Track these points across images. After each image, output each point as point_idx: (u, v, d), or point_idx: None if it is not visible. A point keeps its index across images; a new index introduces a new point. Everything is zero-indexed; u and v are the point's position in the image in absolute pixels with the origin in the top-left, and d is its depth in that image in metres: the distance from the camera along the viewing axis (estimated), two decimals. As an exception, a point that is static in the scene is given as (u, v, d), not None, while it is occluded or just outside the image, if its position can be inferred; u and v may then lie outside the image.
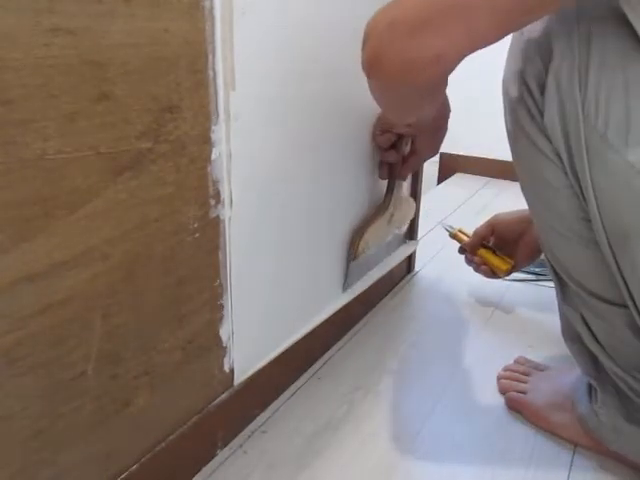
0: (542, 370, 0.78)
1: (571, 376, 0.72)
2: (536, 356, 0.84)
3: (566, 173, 0.54)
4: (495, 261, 0.95)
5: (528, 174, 0.59)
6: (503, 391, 0.77)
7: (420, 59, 0.46)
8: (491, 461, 0.66)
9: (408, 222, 1.04)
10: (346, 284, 0.87)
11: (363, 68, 0.51)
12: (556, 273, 0.63)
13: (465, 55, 0.46)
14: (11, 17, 0.35)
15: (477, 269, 0.98)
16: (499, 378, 0.79)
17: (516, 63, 0.56)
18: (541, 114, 0.54)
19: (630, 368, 0.59)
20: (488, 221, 0.98)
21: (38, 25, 0.37)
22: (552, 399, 0.71)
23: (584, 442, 0.67)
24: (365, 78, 0.52)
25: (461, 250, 1.01)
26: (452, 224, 1.08)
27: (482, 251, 0.97)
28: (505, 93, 0.59)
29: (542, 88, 0.53)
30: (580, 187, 0.53)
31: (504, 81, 0.59)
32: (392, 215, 0.91)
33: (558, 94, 0.51)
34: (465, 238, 1.02)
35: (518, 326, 0.95)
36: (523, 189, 0.62)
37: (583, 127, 0.50)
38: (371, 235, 0.87)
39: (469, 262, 0.99)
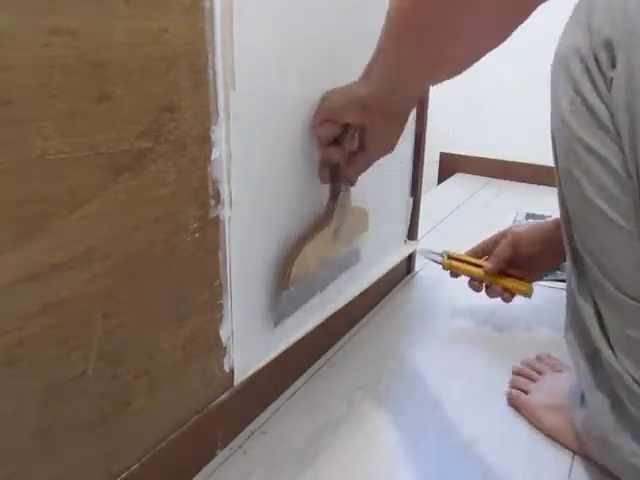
0: (559, 370, 0.77)
1: (574, 380, 0.70)
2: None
3: (624, 152, 0.51)
4: (514, 284, 0.89)
5: (578, 148, 0.54)
6: (511, 385, 0.77)
7: None
8: (491, 461, 0.66)
9: (360, 236, 0.85)
10: (277, 318, 0.70)
11: None
12: (576, 258, 0.60)
13: None
14: (11, 17, 0.35)
15: (497, 295, 0.91)
16: (513, 372, 0.79)
17: (578, 36, 0.53)
18: (607, 88, 0.51)
19: (637, 368, 0.56)
20: (507, 241, 0.89)
21: (38, 25, 0.37)
22: (551, 400, 0.71)
23: (575, 447, 0.66)
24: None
25: (473, 282, 0.92)
26: (432, 248, 0.99)
27: (497, 276, 0.89)
28: (562, 64, 0.55)
29: (613, 63, 0.50)
30: (638, 171, 0.50)
31: (561, 53, 0.56)
32: (338, 228, 0.73)
33: (628, 69, 0.48)
34: (463, 265, 0.93)
35: (518, 326, 0.95)
36: (563, 157, 0.57)
37: None
38: (310, 255, 0.70)
39: (490, 292, 0.91)
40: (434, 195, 1.74)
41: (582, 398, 0.64)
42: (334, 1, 0.69)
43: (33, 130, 0.38)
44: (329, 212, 0.71)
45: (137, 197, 0.47)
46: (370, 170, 0.72)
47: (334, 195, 0.71)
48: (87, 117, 0.41)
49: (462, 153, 1.98)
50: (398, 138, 0.66)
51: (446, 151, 2.00)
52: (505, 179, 1.81)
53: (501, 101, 1.78)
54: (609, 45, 0.50)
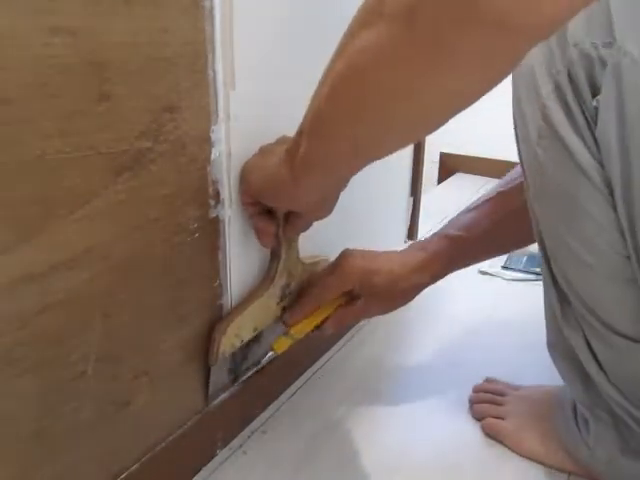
0: (516, 390, 0.72)
1: (549, 395, 0.67)
2: (537, 357, 0.84)
3: (612, 204, 0.43)
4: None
5: (556, 195, 0.46)
6: (479, 417, 0.69)
7: None
8: (492, 461, 0.66)
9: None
10: (210, 394, 0.62)
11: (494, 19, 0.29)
12: (557, 288, 0.55)
13: None
14: (11, 17, 0.35)
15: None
16: (472, 402, 0.72)
17: (552, 46, 0.42)
18: (589, 122, 0.41)
19: (635, 399, 0.53)
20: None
21: (38, 25, 0.37)
22: (534, 425, 0.65)
23: (574, 469, 0.61)
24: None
25: None
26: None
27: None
28: (527, 83, 0.46)
29: (594, 87, 0.40)
30: (631, 221, 0.43)
31: (526, 66, 0.45)
32: (288, 286, 0.65)
33: (619, 98, 0.38)
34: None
35: (518, 326, 0.95)
36: (539, 203, 0.50)
37: None
38: (245, 324, 0.61)
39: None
40: (434, 195, 1.74)
41: (575, 422, 0.61)
42: (334, 1, 0.69)
43: (33, 130, 0.38)
44: (270, 275, 0.64)
45: (137, 197, 0.47)
46: (370, 170, 0.72)
47: (275, 257, 0.63)
48: (87, 117, 0.41)
49: (462, 153, 1.98)
50: (333, 204, 0.57)
51: (446, 151, 2.00)
52: (505, 179, 1.81)
53: (502, 101, 1.78)
54: (589, 62, 0.40)
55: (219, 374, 0.62)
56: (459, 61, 0.31)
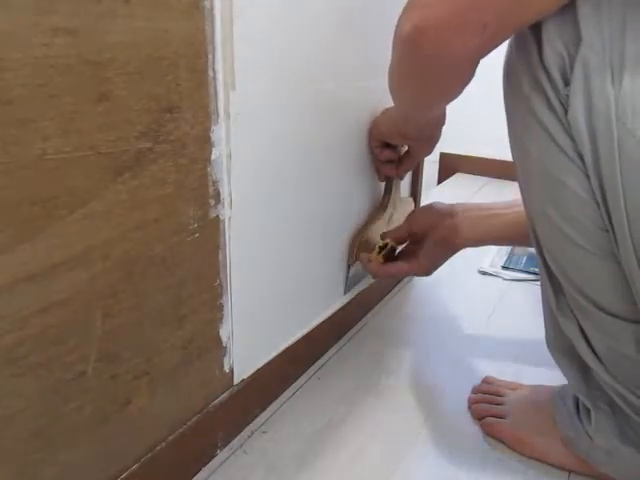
0: (515, 388, 0.73)
1: (549, 392, 0.68)
2: (537, 357, 0.84)
3: (588, 177, 0.48)
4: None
5: (540, 174, 0.52)
6: (478, 417, 0.71)
7: (467, 25, 0.46)
8: (492, 461, 0.66)
9: None
10: (347, 288, 0.88)
11: (402, 40, 0.51)
12: (551, 277, 0.58)
13: (510, 29, 0.48)
14: (11, 17, 0.35)
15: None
16: (471, 403, 0.73)
17: (530, 46, 0.49)
18: (564, 108, 0.47)
19: (631, 384, 0.55)
20: (408, 217, 0.84)
21: (38, 25, 0.37)
22: (533, 422, 0.66)
23: (574, 466, 0.63)
24: (364, 77, 0.52)
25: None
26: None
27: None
28: (511, 81, 0.53)
29: (565, 78, 0.46)
30: (603, 194, 0.47)
31: (510, 66, 0.52)
32: (391, 215, 0.91)
33: (586, 88, 0.45)
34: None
35: (517, 326, 0.95)
36: (527, 187, 0.55)
37: (615, 128, 0.44)
38: (371, 236, 0.86)
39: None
40: (434, 195, 1.74)
41: (577, 414, 0.62)
42: (334, 1, 0.69)
43: (33, 130, 0.38)
44: (385, 201, 0.90)
45: (137, 197, 0.47)
46: (370, 170, 0.73)
47: (388, 189, 0.90)
48: (87, 117, 0.41)
49: (462, 153, 1.98)
50: (432, 147, 0.83)
51: (446, 151, 2.00)
52: (505, 179, 1.81)
53: (502, 101, 1.78)
54: (561, 58, 0.46)
55: (355, 273, 0.88)
56: (423, 80, 0.57)
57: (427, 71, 0.54)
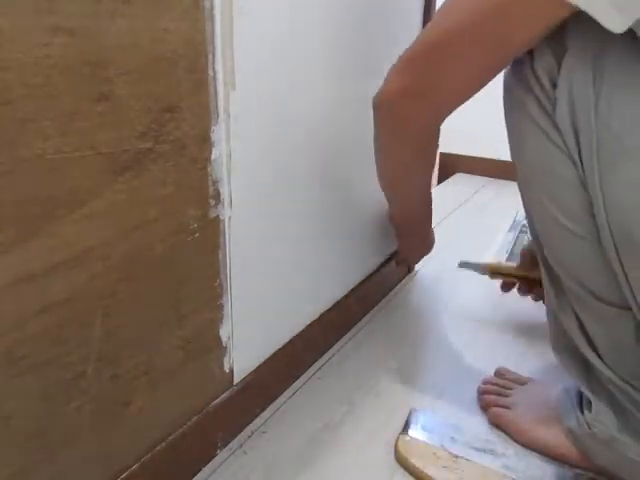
0: (524, 383, 0.75)
1: (556, 389, 0.69)
2: (536, 357, 0.84)
3: (575, 163, 0.52)
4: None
5: (533, 165, 0.57)
6: (486, 407, 0.73)
7: (413, 96, 0.58)
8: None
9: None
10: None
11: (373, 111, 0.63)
12: (552, 277, 0.61)
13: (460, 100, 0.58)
14: (11, 17, 0.35)
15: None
16: (480, 393, 0.76)
17: (523, 57, 0.54)
18: (553, 107, 0.53)
19: (629, 377, 0.57)
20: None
21: (38, 25, 0.37)
22: (538, 414, 0.68)
23: (572, 459, 0.64)
24: (365, 77, 0.53)
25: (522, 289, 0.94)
26: (469, 260, 1.02)
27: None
28: (510, 86, 0.58)
29: (553, 83, 0.52)
30: (586, 180, 0.52)
31: (507, 77, 0.58)
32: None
33: (569, 88, 0.50)
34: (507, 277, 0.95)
35: (518, 326, 0.95)
36: (525, 182, 0.59)
37: (594, 122, 0.49)
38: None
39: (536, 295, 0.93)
40: (434, 195, 1.73)
41: (579, 405, 0.64)
42: (335, 1, 0.69)
43: (33, 130, 0.38)
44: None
45: (137, 197, 0.47)
46: (370, 170, 0.73)
47: None
48: (87, 117, 0.41)
49: (462, 153, 1.98)
50: (422, 246, 0.99)
51: (446, 151, 2.00)
52: (505, 179, 1.81)
53: (501, 102, 1.78)
54: (550, 65, 0.52)
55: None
56: (390, 147, 0.69)
57: (391, 138, 0.65)
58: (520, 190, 0.62)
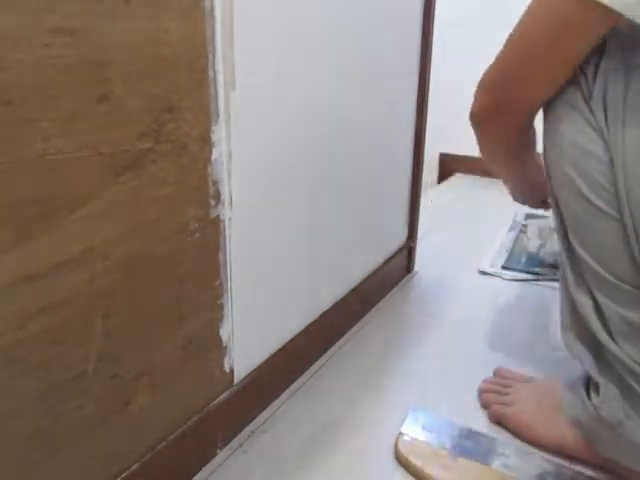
0: (524, 381, 0.76)
1: (557, 385, 0.69)
2: (536, 356, 0.84)
3: (606, 142, 0.56)
4: None
5: (565, 145, 0.61)
6: (486, 405, 0.74)
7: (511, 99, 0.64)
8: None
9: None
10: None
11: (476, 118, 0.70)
12: (571, 256, 0.62)
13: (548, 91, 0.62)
14: (11, 17, 0.35)
15: None
16: (481, 392, 0.76)
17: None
18: (590, 94, 0.58)
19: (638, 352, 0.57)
20: None
21: (38, 25, 0.37)
22: (539, 408, 0.69)
23: (573, 450, 0.64)
24: (365, 77, 0.52)
25: None
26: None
27: None
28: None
29: (594, 77, 0.58)
30: (610, 151, 0.56)
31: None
32: None
33: (605, 81, 0.57)
34: None
35: (518, 326, 0.95)
36: (555, 160, 0.62)
37: (622, 110, 0.55)
38: None
39: None
40: (434, 195, 1.74)
41: (586, 391, 0.64)
42: (334, 1, 0.69)
43: (34, 130, 0.38)
44: None
45: (137, 197, 0.47)
46: (371, 171, 0.73)
47: None
48: (87, 117, 0.41)
49: (462, 153, 1.98)
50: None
51: (446, 151, 2.00)
52: (505, 179, 1.81)
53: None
54: (592, 65, 0.59)
55: None
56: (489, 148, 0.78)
57: (488, 141, 0.75)
58: (547, 170, 0.64)
